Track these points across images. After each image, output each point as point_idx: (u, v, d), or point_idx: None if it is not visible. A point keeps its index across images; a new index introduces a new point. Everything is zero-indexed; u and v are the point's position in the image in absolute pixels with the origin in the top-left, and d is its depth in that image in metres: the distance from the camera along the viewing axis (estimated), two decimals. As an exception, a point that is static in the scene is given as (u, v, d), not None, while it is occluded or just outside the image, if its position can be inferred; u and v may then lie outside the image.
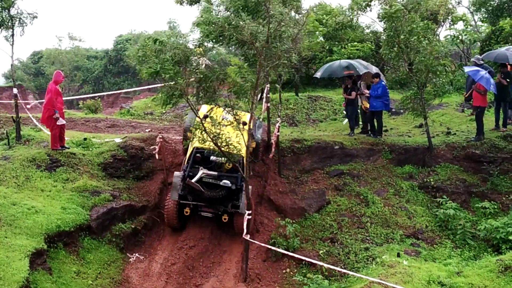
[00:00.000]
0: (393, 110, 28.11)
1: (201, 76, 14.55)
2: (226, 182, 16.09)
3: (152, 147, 19.46)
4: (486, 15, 34.70)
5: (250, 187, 15.71)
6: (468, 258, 15.19)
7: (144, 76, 14.59)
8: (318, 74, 24.18)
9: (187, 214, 17.15)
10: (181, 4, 22.56)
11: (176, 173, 17.10)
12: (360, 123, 23.99)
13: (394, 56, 20.50)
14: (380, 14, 20.74)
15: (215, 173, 16.59)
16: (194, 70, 14.74)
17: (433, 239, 16.66)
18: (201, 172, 16.32)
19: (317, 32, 35.48)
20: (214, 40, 15.30)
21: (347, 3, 37.86)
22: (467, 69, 21.47)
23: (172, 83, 14.16)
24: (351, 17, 34.56)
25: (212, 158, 16.54)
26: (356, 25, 37.53)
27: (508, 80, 20.31)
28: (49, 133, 19.32)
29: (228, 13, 15.14)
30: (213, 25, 14.58)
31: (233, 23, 14.44)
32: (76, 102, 46.23)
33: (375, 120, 22.04)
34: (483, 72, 19.93)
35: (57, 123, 18.48)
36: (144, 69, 14.20)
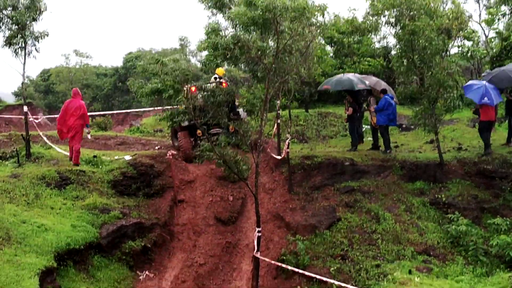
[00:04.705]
0: (404, 126, 28.05)
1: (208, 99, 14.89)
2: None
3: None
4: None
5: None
6: (481, 275, 14.96)
7: (143, 96, 14.88)
8: (325, 87, 23.90)
9: (200, 135, 17.78)
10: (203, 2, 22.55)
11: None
12: (370, 139, 23.95)
13: (405, 70, 20.41)
14: (398, 30, 20.44)
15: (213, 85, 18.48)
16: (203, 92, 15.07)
17: (445, 255, 16.46)
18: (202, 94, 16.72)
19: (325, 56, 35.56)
20: (221, 60, 15.40)
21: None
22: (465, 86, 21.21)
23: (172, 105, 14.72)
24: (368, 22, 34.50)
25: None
26: (369, 37, 37.61)
27: None
28: (59, 149, 19.54)
29: (236, 30, 15.13)
30: (220, 48, 14.59)
31: (239, 43, 14.43)
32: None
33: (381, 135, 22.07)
34: (477, 86, 19.86)
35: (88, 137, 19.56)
36: (146, 88, 14.41)
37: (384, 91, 21.94)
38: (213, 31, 14.95)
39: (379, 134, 22.48)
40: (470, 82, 20.90)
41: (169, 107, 21.49)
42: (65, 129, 19.85)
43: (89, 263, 15.50)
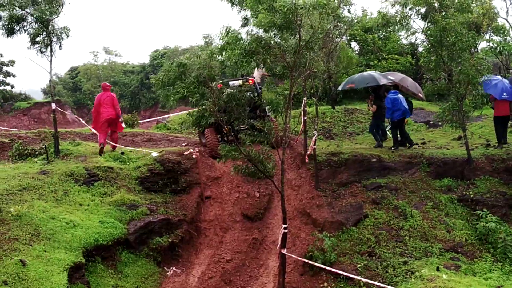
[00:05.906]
0: (431, 122, 27.89)
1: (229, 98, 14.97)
2: (248, 93, 16.74)
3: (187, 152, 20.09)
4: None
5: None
6: (509, 272, 14.87)
7: (171, 103, 14.97)
8: (349, 86, 23.81)
9: (225, 132, 18.21)
10: None
11: None
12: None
13: (434, 66, 20.26)
14: (428, 26, 20.33)
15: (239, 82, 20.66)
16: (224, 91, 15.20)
17: (473, 252, 16.35)
18: (227, 91, 16.69)
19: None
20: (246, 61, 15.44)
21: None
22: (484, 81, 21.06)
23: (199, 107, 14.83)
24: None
25: (231, 83, 20.44)
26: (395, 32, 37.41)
27: None
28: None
29: (259, 31, 15.20)
30: (248, 54, 14.68)
31: (263, 43, 14.47)
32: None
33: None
34: (497, 81, 19.85)
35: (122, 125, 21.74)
36: (170, 94, 14.45)
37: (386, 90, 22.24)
38: (236, 41, 14.91)
39: (405, 130, 22.42)
40: (491, 77, 20.79)
41: (195, 109, 21.58)
42: (101, 120, 21.03)
43: (117, 259, 15.66)
